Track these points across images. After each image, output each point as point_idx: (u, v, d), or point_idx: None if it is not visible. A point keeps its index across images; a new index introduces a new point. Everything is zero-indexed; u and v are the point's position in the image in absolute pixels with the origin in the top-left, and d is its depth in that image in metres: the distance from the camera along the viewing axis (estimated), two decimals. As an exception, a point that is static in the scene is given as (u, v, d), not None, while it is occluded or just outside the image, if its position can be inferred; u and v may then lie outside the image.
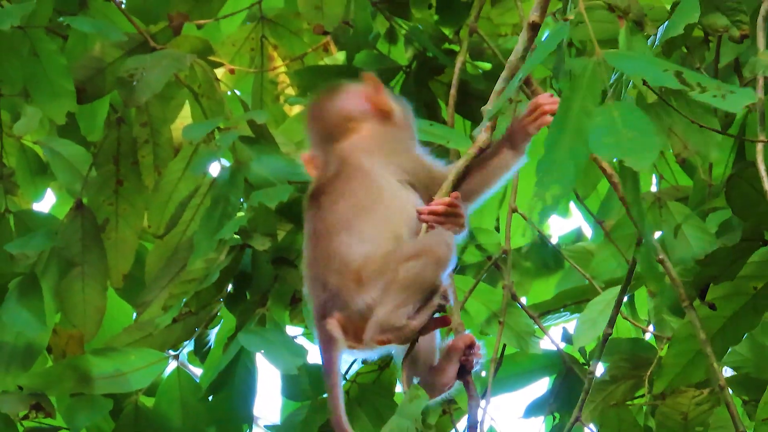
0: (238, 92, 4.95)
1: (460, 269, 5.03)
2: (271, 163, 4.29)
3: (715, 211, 4.33)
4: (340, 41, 4.82)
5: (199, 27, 4.69)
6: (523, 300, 5.29)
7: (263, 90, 4.97)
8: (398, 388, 4.72)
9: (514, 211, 4.52)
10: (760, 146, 3.59)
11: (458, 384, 3.18)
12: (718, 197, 4.25)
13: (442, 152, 3.75)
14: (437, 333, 3.20)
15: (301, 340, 4.62)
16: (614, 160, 3.24)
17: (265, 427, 4.98)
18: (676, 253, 3.97)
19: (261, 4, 4.89)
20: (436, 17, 4.94)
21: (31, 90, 4.38)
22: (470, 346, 3.17)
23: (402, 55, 4.98)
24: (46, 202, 6.48)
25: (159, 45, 4.49)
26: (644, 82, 3.37)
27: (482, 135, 3.22)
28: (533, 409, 4.78)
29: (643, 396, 4.41)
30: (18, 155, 4.83)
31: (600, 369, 4.40)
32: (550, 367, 4.78)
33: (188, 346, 4.49)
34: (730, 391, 3.98)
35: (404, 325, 3.05)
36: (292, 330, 4.64)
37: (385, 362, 4.75)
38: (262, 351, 4.20)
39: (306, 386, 4.58)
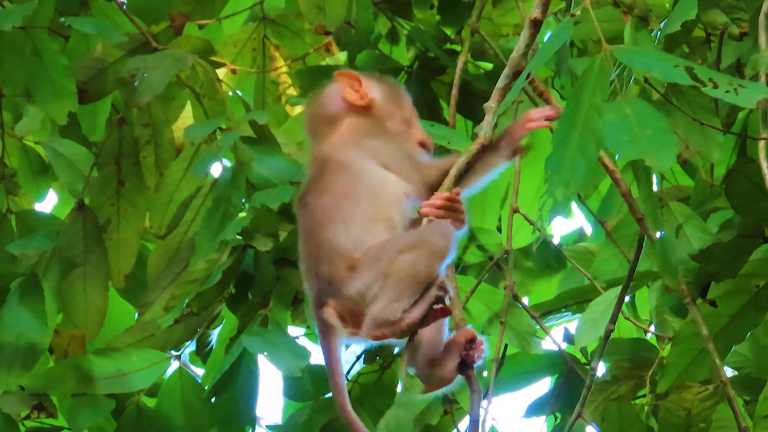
0: (239, 93, 4.96)
1: (462, 269, 5.03)
2: (273, 163, 4.29)
3: (716, 211, 4.33)
4: (342, 41, 4.82)
5: (201, 27, 4.68)
6: (525, 300, 5.29)
7: (265, 90, 4.97)
8: (400, 389, 4.71)
9: (516, 211, 4.52)
10: (762, 144, 3.59)
11: (459, 380, 3.16)
12: (720, 197, 4.25)
13: (443, 152, 3.75)
14: (445, 327, 3.18)
15: (303, 341, 4.63)
16: (616, 157, 3.24)
17: (267, 427, 4.98)
18: (678, 253, 3.97)
19: (263, 4, 4.89)
20: (437, 17, 4.94)
21: (33, 90, 4.38)
22: (471, 340, 3.16)
23: (404, 55, 4.98)
24: (48, 203, 6.48)
25: (160, 45, 4.49)
26: (645, 80, 3.37)
27: (484, 132, 3.21)
28: (535, 409, 4.77)
29: (644, 396, 4.41)
30: (20, 155, 4.83)
31: (602, 368, 4.40)
32: (551, 367, 4.77)
33: (190, 347, 4.49)
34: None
35: (399, 319, 3.03)
36: (294, 330, 4.65)
37: (387, 362, 4.76)
38: (265, 353, 4.20)
39: (308, 387, 4.58)
